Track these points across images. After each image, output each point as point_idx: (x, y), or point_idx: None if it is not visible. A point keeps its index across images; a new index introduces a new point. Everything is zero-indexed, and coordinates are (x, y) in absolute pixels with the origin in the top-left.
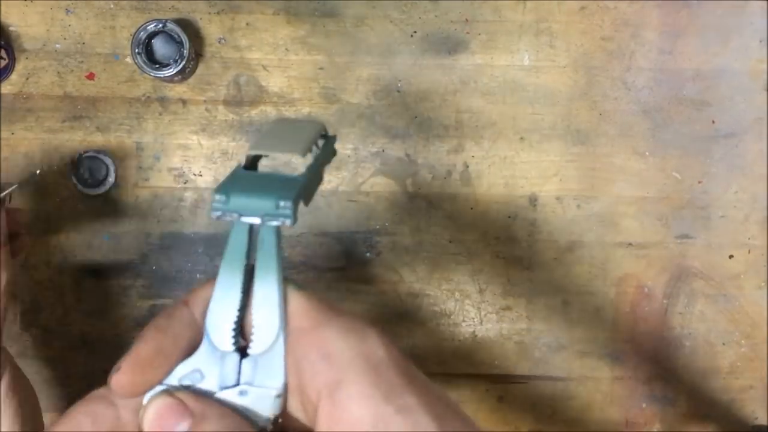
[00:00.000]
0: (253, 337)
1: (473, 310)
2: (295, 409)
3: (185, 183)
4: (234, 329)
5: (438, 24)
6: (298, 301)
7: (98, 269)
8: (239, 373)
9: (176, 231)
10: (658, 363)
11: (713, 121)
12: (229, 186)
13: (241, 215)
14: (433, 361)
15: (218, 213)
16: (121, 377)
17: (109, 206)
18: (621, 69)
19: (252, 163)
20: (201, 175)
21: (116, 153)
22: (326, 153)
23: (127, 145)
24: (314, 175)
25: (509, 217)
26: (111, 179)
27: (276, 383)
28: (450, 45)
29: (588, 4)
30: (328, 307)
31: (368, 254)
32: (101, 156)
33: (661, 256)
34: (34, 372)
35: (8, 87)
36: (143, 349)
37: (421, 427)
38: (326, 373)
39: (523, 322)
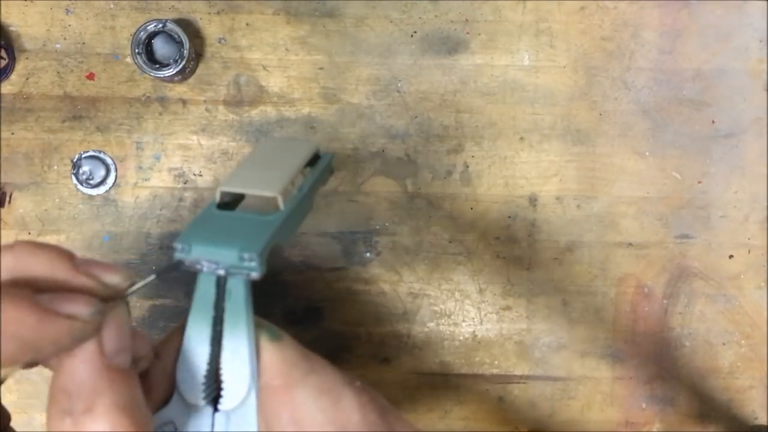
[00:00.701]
0: (223, 393)
1: (473, 310)
2: None
3: (185, 183)
4: (204, 383)
5: (438, 24)
6: (271, 355)
7: None
8: (213, 426)
9: (176, 231)
10: (658, 363)
11: (713, 121)
12: (192, 233)
13: (204, 266)
14: (433, 361)
15: (181, 264)
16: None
17: (109, 206)
18: (621, 69)
19: (230, 199)
20: (201, 175)
21: (116, 153)
22: (316, 178)
23: (127, 145)
24: (298, 209)
25: (509, 217)
26: (111, 179)
27: None
28: (450, 45)
29: (588, 4)
30: (302, 359)
31: (368, 254)
32: (101, 156)
33: (661, 256)
34: (34, 372)
35: (8, 87)
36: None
37: None
38: None
39: (523, 322)
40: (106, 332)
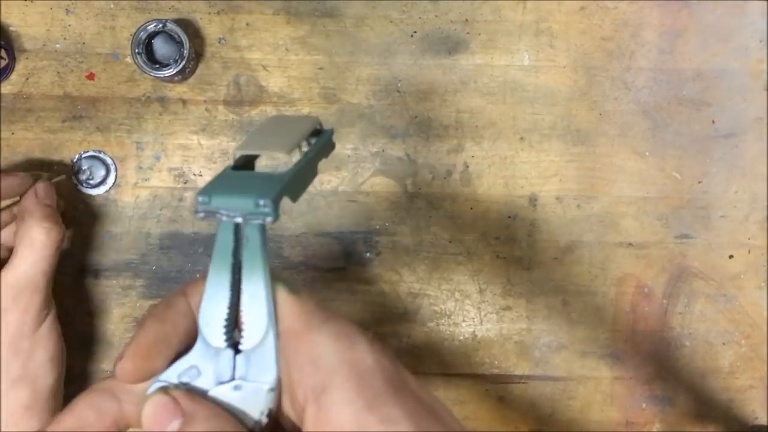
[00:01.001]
0: (243, 333)
1: (473, 310)
2: (287, 407)
3: (185, 183)
4: (225, 326)
5: (438, 24)
6: (290, 303)
7: (98, 269)
8: (234, 368)
9: (176, 231)
10: (658, 363)
11: (713, 121)
12: (212, 187)
13: (223, 215)
14: (433, 361)
15: (201, 214)
16: (125, 364)
17: (108, 206)
18: (621, 69)
19: (243, 162)
20: (201, 175)
21: (116, 153)
22: (320, 147)
23: (127, 145)
24: (305, 170)
25: (509, 217)
26: (111, 179)
27: (268, 378)
28: (450, 45)
29: (588, 4)
30: (320, 310)
31: (368, 254)
32: (101, 156)
33: (661, 256)
34: None
35: (8, 87)
36: (144, 338)
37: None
38: (313, 377)
39: (523, 322)
40: (37, 187)
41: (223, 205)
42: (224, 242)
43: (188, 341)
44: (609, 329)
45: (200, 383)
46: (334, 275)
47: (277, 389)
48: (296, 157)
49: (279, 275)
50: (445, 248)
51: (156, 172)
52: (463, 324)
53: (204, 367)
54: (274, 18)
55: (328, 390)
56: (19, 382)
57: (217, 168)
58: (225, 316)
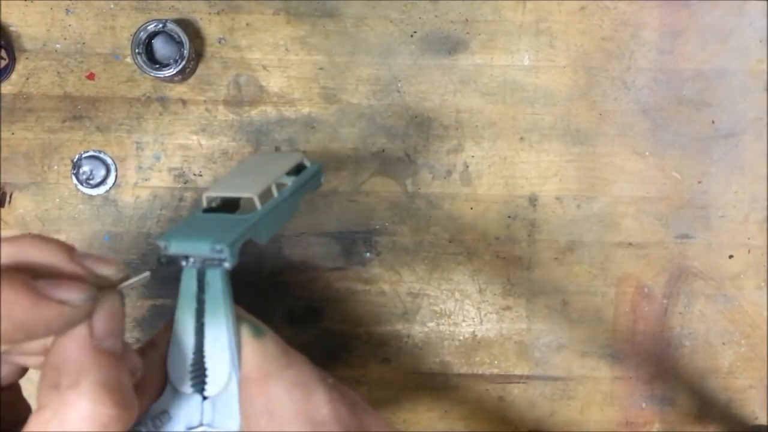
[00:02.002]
0: (208, 380)
1: (473, 310)
2: None
3: (185, 183)
4: (191, 372)
5: (438, 24)
6: (251, 350)
7: None
8: (202, 413)
9: None
10: (658, 363)
11: (713, 121)
12: (173, 232)
13: (181, 261)
14: (433, 361)
15: (163, 259)
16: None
17: (109, 206)
18: (621, 69)
19: (221, 204)
20: (201, 175)
21: (116, 153)
22: (300, 184)
23: (127, 145)
24: (278, 210)
25: (509, 217)
26: (111, 179)
27: (232, 424)
28: (450, 45)
29: (588, 4)
30: (282, 355)
31: (368, 254)
32: (101, 156)
33: (661, 256)
34: (34, 372)
35: (8, 87)
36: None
37: None
38: (268, 428)
39: (523, 322)
40: (96, 316)
41: (181, 251)
42: (187, 287)
43: (160, 389)
44: (609, 329)
45: (171, 428)
46: (334, 275)
47: None
48: (273, 196)
49: (243, 316)
50: (445, 248)
51: (156, 172)
52: (463, 324)
53: (174, 412)
54: (274, 18)
55: None
56: None
57: (217, 168)
58: (190, 362)
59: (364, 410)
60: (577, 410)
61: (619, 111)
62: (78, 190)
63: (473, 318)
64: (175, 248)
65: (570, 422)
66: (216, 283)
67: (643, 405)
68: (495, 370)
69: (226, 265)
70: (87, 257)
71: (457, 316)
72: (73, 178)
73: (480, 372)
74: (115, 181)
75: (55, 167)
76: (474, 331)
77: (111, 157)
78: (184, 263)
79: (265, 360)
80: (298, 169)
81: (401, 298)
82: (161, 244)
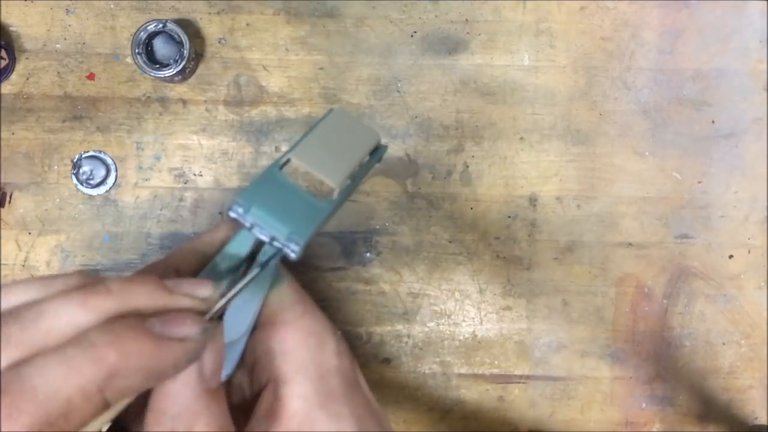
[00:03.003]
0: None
1: (473, 310)
2: (241, 380)
3: (185, 183)
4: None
5: (438, 24)
6: (270, 299)
7: (98, 269)
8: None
9: (176, 231)
10: (658, 363)
11: (713, 121)
12: (252, 195)
13: (254, 229)
14: (433, 361)
15: (233, 214)
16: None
17: (109, 206)
18: (621, 69)
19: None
20: (201, 175)
21: (116, 153)
22: (368, 168)
23: (128, 145)
24: (345, 198)
25: (509, 217)
26: (111, 179)
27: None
28: (450, 45)
29: (588, 4)
30: (298, 304)
31: (368, 254)
32: (101, 156)
33: (661, 256)
34: None
35: (8, 87)
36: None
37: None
38: (280, 368)
39: (523, 322)
40: (206, 354)
41: (259, 221)
42: (240, 244)
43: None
44: (609, 329)
45: None
46: (334, 275)
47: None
48: (347, 183)
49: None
50: (445, 248)
51: (156, 172)
52: (463, 324)
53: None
54: (274, 18)
55: (290, 383)
56: None
57: (217, 168)
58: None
59: (358, 369)
60: (577, 410)
61: (619, 111)
62: (78, 190)
63: (473, 318)
64: (253, 216)
65: (570, 422)
66: (271, 263)
67: (643, 405)
68: (495, 370)
69: (293, 255)
70: (181, 284)
71: (457, 316)
72: (73, 178)
73: (480, 372)
74: (115, 181)
75: (55, 167)
76: (474, 331)
77: (111, 157)
78: (252, 229)
79: (282, 308)
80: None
81: (401, 298)
82: (239, 201)
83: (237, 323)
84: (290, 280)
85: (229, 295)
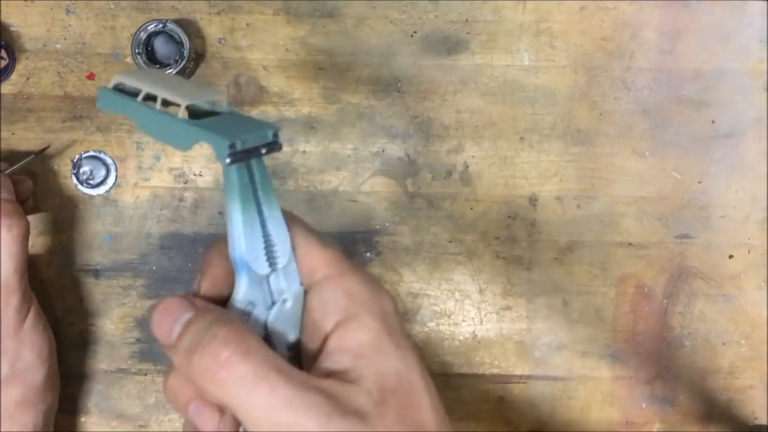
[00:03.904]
0: (278, 255)
1: (473, 310)
2: (305, 339)
3: (185, 183)
4: (266, 255)
5: (438, 24)
6: (324, 254)
7: (98, 269)
8: (278, 287)
9: (176, 231)
10: (658, 363)
11: (713, 121)
12: (218, 133)
13: (249, 156)
14: (433, 361)
15: (228, 159)
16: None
17: (109, 206)
18: (621, 69)
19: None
20: (201, 175)
21: (116, 153)
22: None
23: (128, 145)
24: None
25: (509, 217)
26: (111, 179)
27: (296, 285)
28: (450, 45)
29: (588, 4)
30: (349, 260)
31: (368, 254)
32: (101, 156)
33: (661, 256)
34: None
35: (8, 87)
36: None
37: (410, 363)
38: (347, 307)
39: (523, 322)
40: None
41: (251, 143)
42: (243, 181)
43: (229, 282)
44: (609, 329)
45: (258, 315)
46: None
47: (303, 300)
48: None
49: (310, 228)
50: (445, 248)
51: (156, 172)
52: (463, 324)
53: (256, 298)
54: (274, 18)
55: (359, 317)
56: (10, 381)
57: (218, 168)
58: (263, 245)
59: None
60: (577, 410)
61: (619, 111)
62: (78, 190)
63: (473, 318)
64: (245, 143)
65: (570, 422)
66: (261, 169)
67: (643, 405)
68: (495, 370)
69: (282, 145)
70: None
71: (457, 316)
72: (73, 178)
73: (480, 372)
74: (115, 181)
75: (55, 167)
76: (474, 331)
77: (111, 157)
78: (249, 157)
79: (339, 261)
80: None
81: (401, 298)
82: (229, 143)
83: (280, 238)
84: (332, 245)
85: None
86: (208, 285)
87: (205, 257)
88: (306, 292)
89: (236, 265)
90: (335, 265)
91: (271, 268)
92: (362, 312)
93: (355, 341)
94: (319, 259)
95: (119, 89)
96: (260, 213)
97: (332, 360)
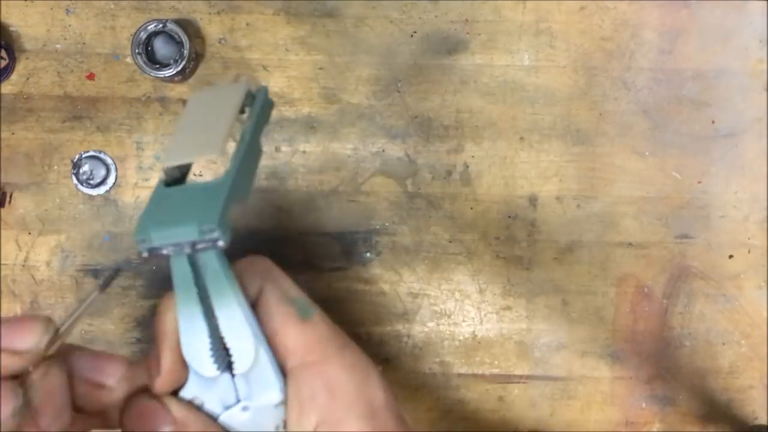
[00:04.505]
0: (233, 358)
1: (473, 310)
2: (291, 423)
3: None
4: (212, 356)
5: (438, 24)
6: (303, 334)
7: (98, 269)
8: (236, 390)
9: None
10: (658, 363)
11: (713, 121)
12: (147, 220)
13: (170, 251)
14: (433, 361)
15: (145, 253)
16: (162, 380)
17: (109, 206)
18: (621, 69)
19: (176, 173)
20: (201, 175)
21: (116, 153)
22: (256, 119)
23: (128, 145)
24: (247, 158)
25: (509, 217)
26: (111, 179)
27: (273, 394)
28: (450, 45)
29: (588, 4)
30: (335, 336)
31: (368, 254)
32: (101, 156)
33: (661, 256)
34: None
35: (8, 87)
36: (168, 359)
37: None
38: (329, 409)
39: (523, 322)
40: (40, 410)
41: (166, 241)
42: (182, 275)
43: (183, 376)
44: (609, 329)
45: (208, 409)
46: (334, 275)
47: (284, 402)
48: (236, 145)
49: (291, 298)
50: (445, 248)
51: (156, 172)
52: (463, 324)
53: (205, 396)
54: (274, 18)
55: (344, 424)
56: None
57: (217, 168)
58: (209, 346)
59: (399, 403)
60: (577, 410)
61: (619, 111)
62: (78, 190)
63: (473, 318)
64: (158, 240)
65: (570, 422)
66: (213, 263)
67: (643, 405)
68: (495, 370)
69: (221, 243)
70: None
71: (457, 316)
72: (73, 178)
73: (480, 372)
74: (115, 181)
75: (55, 167)
76: (474, 331)
77: (111, 157)
78: (171, 253)
79: (320, 343)
80: (247, 101)
81: (401, 298)
82: (139, 238)
83: (239, 341)
84: (320, 312)
85: (67, 323)
86: (168, 364)
87: (160, 324)
88: (284, 402)
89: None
90: (316, 348)
91: (222, 372)
92: (348, 416)
93: None
94: (296, 341)
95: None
96: (208, 313)
97: None
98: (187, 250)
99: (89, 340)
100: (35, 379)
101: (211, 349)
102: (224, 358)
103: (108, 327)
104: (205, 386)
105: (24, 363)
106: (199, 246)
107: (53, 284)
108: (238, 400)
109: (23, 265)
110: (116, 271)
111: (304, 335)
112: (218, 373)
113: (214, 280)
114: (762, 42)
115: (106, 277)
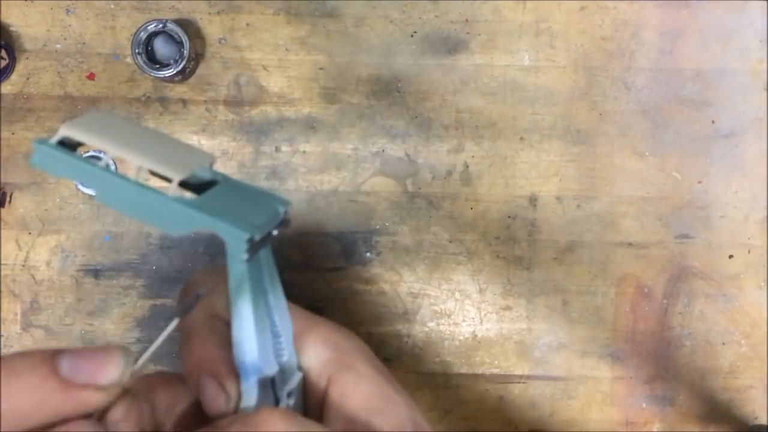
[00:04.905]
0: (282, 347)
1: (473, 310)
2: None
3: None
4: (274, 351)
5: (438, 24)
6: (293, 311)
7: (98, 269)
8: (277, 381)
9: None
10: (658, 363)
11: (713, 121)
12: (232, 215)
13: (263, 244)
14: (433, 361)
15: (246, 255)
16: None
17: None
18: (621, 69)
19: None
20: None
21: None
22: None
23: None
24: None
25: (509, 217)
26: None
27: (297, 374)
28: (450, 45)
29: (588, 4)
30: (312, 314)
31: (368, 254)
32: (102, 155)
33: (661, 256)
34: None
35: (8, 87)
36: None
37: (413, 405)
38: (336, 358)
39: (523, 322)
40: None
41: (268, 227)
42: (255, 276)
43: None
44: (609, 329)
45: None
46: (334, 275)
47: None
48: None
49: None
50: (445, 248)
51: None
52: (463, 324)
53: (264, 402)
54: (274, 18)
55: (354, 367)
56: None
57: (218, 168)
58: (272, 343)
59: None
60: (577, 410)
61: (619, 111)
62: (78, 190)
63: (473, 318)
64: (263, 231)
65: (570, 422)
66: (268, 252)
67: (643, 405)
68: (495, 370)
69: (290, 220)
70: (79, 368)
71: (457, 316)
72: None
73: (480, 372)
74: None
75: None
76: (474, 331)
77: (111, 158)
78: (268, 241)
79: (306, 316)
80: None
81: (401, 298)
82: (247, 236)
83: (287, 327)
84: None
85: (144, 357)
86: (234, 386)
87: (201, 359)
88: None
89: (244, 372)
90: (303, 320)
91: (279, 365)
92: (354, 361)
93: (361, 395)
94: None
95: (67, 144)
96: (268, 306)
97: (345, 419)
98: (275, 232)
99: (89, 340)
100: (116, 417)
101: (273, 344)
102: (278, 352)
103: (108, 327)
104: (264, 392)
105: (108, 398)
106: (277, 230)
107: (53, 284)
108: (282, 391)
109: (23, 265)
110: (197, 297)
111: (293, 313)
112: (278, 368)
113: (270, 269)
114: (762, 42)
115: (186, 303)
